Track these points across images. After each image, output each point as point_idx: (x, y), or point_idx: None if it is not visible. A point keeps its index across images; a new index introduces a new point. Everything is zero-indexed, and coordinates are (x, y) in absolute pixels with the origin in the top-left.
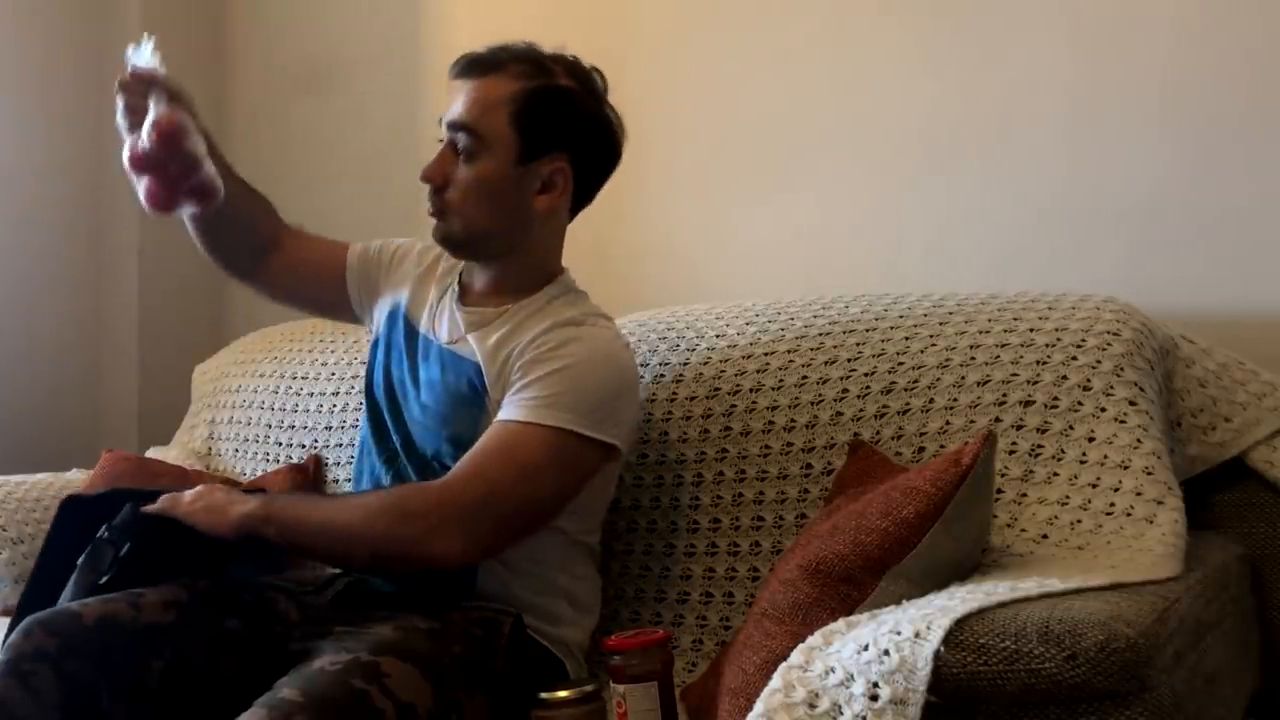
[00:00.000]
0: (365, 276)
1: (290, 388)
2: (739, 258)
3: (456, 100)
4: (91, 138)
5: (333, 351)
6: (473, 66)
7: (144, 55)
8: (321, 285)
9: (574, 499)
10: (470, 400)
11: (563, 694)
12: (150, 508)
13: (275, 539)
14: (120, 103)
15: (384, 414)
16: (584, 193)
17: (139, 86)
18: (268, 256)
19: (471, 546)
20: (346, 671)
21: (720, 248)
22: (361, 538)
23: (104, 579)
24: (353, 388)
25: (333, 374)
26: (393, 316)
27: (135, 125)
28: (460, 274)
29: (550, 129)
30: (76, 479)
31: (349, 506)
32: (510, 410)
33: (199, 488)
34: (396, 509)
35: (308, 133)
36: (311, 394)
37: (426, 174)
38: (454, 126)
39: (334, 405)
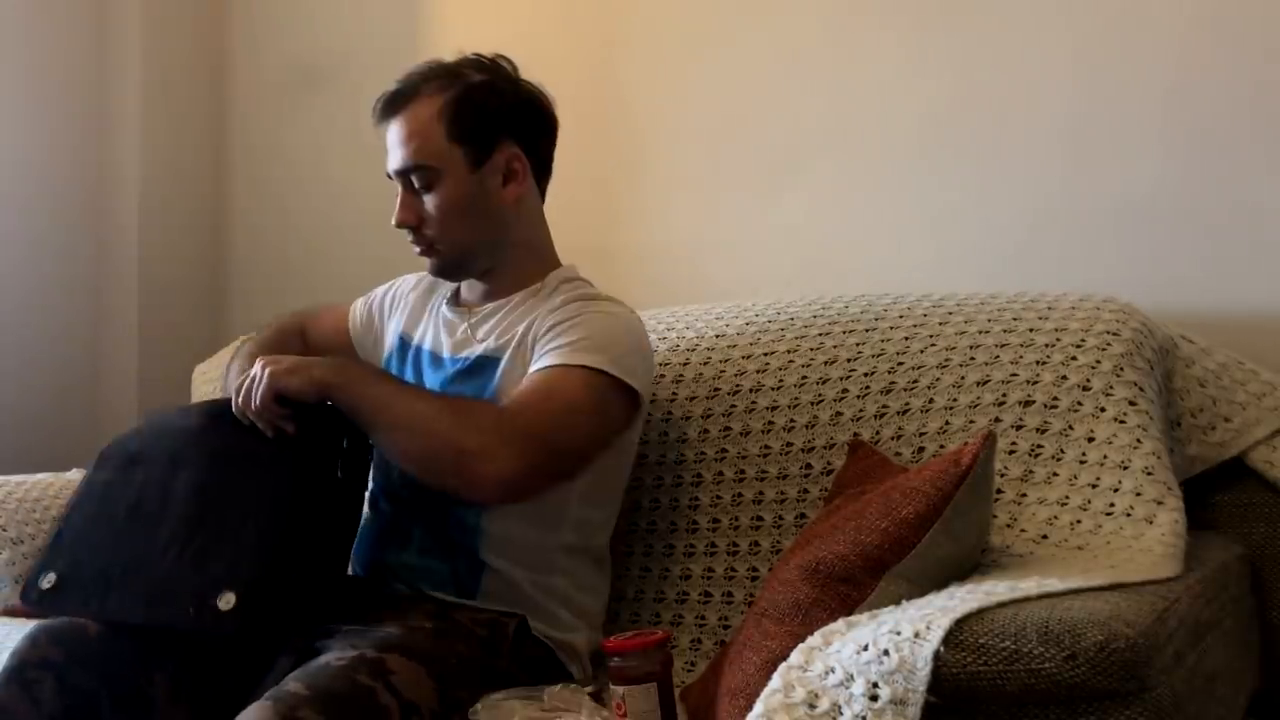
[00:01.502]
0: (369, 330)
1: None
2: (739, 258)
3: (392, 144)
4: (92, 138)
5: None
6: (391, 105)
7: None
8: (337, 351)
9: (603, 451)
10: (479, 389)
11: None
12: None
13: (345, 407)
14: None
15: None
16: (541, 168)
17: None
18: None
19: (518, 475)
20: (352, 668)
21: (720, 248)
22: (422, 429)
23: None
24: None
25: None
26: (401, 346)
27: None
28: (456, 286)
29: (486, 125)
30: (76, 479)
31: (418, 395)
32: (544, 360)
33: (266, 358)
34: (463, 413)
35: (307, 133)
36: None
37: (400, 220)
38: (403, 172)
39: None
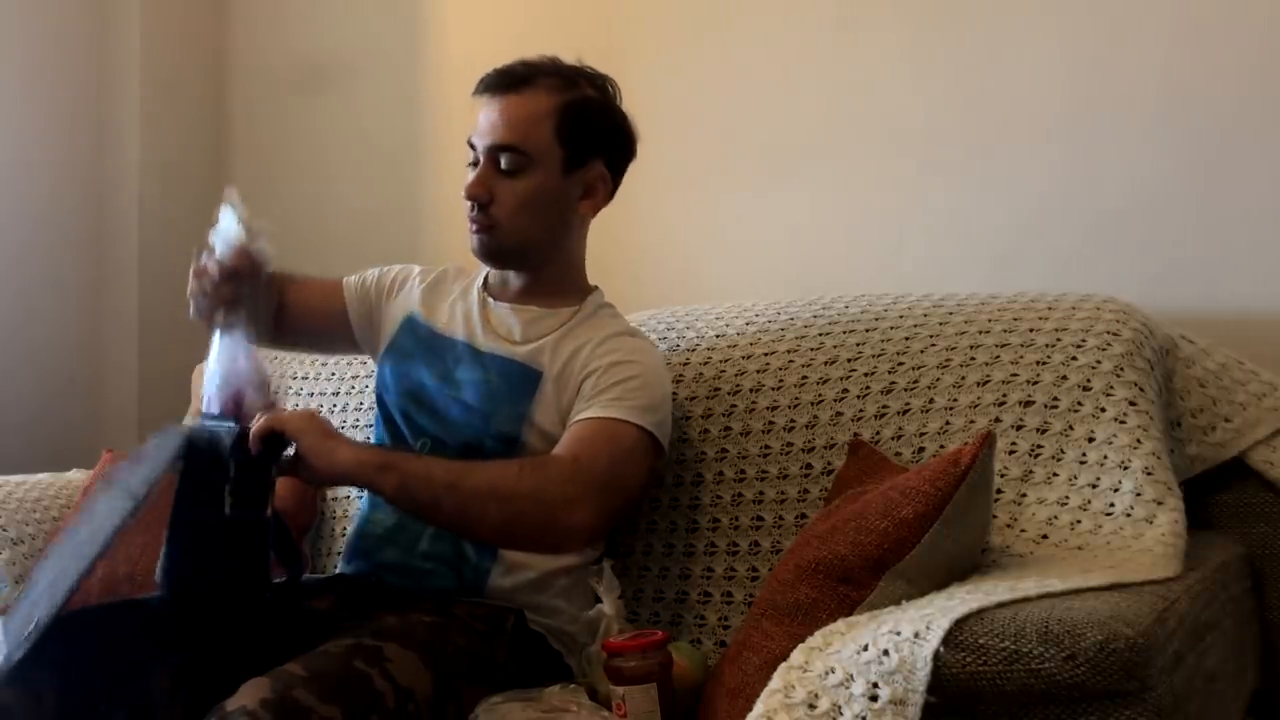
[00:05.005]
0: (365, 306)
1: (290, 388)
2: (739, 258)
3: (492, 119)
4: (92, 138)
5: None
6: (505, 83)
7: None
8: (324, 325)
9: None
10: (518, 398)
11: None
12: (257, 425)
13: (390, 492)
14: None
15: (399, 420)
16: (612, 194)
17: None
18: (278, 319)
19: (595, 523)
20: (349, 653)
21: (720, 248)
22: (498, 498)
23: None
24: (353, 387)
25: (333, 374)
26: (408, 326)
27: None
28: (485, 279)
29: (589, 138)
30: (77, 479)
31: (482, 469)
32: (600, 409)
33: (304, 410)
34: (540, 469)
35: (307, 133)
36: (311, 394)
37: (472, 192)
38: (499, 148)
39: (334, 405)
